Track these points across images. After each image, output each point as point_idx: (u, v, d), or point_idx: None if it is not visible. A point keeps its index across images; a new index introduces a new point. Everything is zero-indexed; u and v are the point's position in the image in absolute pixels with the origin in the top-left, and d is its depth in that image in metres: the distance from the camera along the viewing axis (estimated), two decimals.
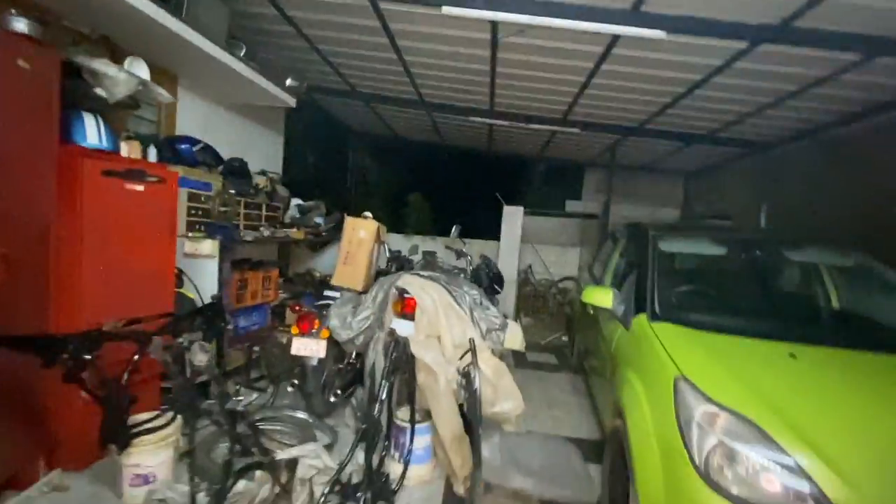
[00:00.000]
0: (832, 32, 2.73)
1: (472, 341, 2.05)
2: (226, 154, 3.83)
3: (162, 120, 3.59)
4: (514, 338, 3.08)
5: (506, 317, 3.08)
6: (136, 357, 2.04)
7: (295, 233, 4.60)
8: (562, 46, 3.34)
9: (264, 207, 4.24)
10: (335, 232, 5.64)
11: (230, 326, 3.19)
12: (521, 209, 6.03)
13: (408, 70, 4.32)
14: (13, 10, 2.01)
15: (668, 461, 1.58)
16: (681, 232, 3.24)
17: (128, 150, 2.50)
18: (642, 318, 2.30)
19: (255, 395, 3.36)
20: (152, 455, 2.15)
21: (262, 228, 4.07)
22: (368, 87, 5.13)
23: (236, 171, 4.01)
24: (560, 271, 7.44)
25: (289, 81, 4.12)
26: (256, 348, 3.65)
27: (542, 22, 2.79)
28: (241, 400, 3.23)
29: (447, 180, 8.59)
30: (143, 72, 2.49)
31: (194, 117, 3.90)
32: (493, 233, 6.58)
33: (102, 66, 2.19)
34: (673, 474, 1.54)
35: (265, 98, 4.12)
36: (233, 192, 3.72)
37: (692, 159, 6.41)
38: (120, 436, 2.01)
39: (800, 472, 1.34)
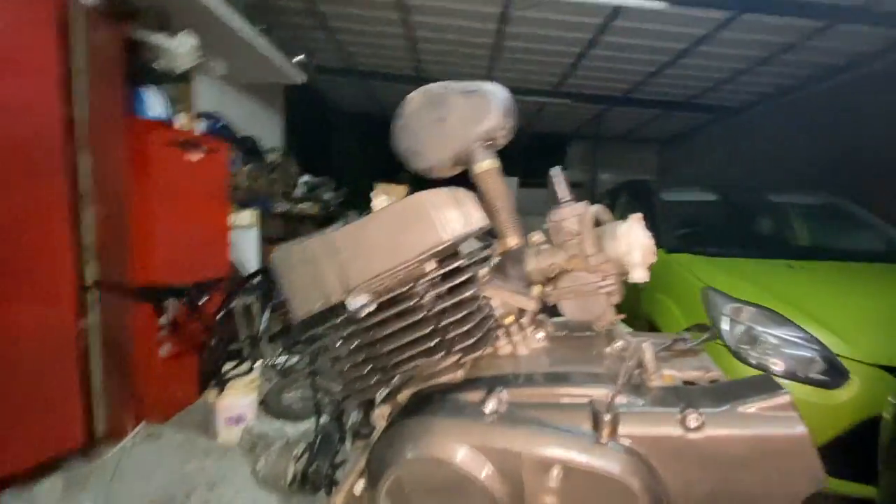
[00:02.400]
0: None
1: None
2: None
3: (180, 96, 3.64)
4: None
5: None
6: (222, 309, 2.25)
7: (310, 207, 4.76)
8: (565, 19, 3.63)
9: (280, 182, 4.38)
10: (342, 208, 5.82)
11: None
12: (515, 180, 6.37)
13: (412, 41, 4.50)
14: None
15: None
16: (676, 185, 3.67)
17: (181, 122, 2.63)
18: (660, 252, 2.69)
19: (296, 358, 3.58)
20: (241, 398, 2.37)
21: (282, 201, 4.22)
22: (368, 65, 5.27)
23: (250, 149, 4.13)
24: None
25: (300, 57, 4.23)
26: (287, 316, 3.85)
27: None
28: (286, 360, 3.45)
29: None
30: (192, 41, 2.60)
31: (209, 95, 3.96)
32: None
33: (165, 40, 2.32)
34: None
35: (276, 74, 4.22)
36: (250, 166, 3.85)
37: (668, 127, 6.92)
38: (218, 380, 2.22)
39: (812, 339, 1.75)
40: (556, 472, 0.44)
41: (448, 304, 0.52)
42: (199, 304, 1.96)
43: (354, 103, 7.04)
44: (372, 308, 0.52)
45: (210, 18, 2.95)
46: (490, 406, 0.49)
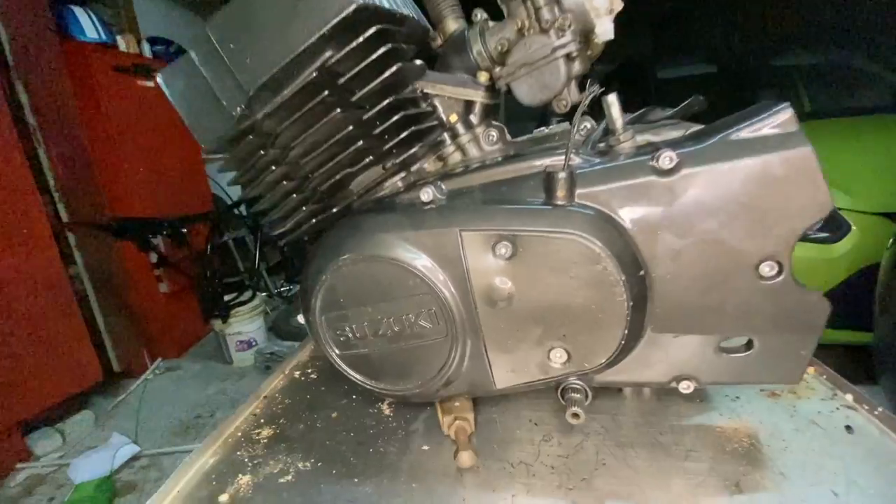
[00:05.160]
0: None
1: None
2: None
3: (123, 18, 3.29)
4: None
5: None
6: (209, 241, 2.20)
7: None
8: None
9: None
10: None
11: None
12: None
13: None
14: None
15: None
16: (672, 58, 3.42)
17: (125, 44, 2.38)
18: None
19: (298, 286, 3.63)
20: (249, 323, 2.41)
21: None
22: None
23: None
24: None
25: None
26: (287, 247, 3.83)
27: None
28: (289, 289, 3.51)
29: None
30: None
31: (153, 20, 3.57)
32: None
33: None
34: None
35: None
36: None
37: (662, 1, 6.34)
38: (221, 308, 2.23)
39: None
40: (503, 247, 0.37)
41: (369, 89, 0.41)
42: (184, 237, 1.89)
43: None
44: (273, 108, 0.42)
45: None
46: (426, 195, 0.42)
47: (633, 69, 3.28)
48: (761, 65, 3.06)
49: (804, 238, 1.39)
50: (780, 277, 0.38)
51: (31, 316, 1.76)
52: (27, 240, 1.76)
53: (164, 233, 1.83)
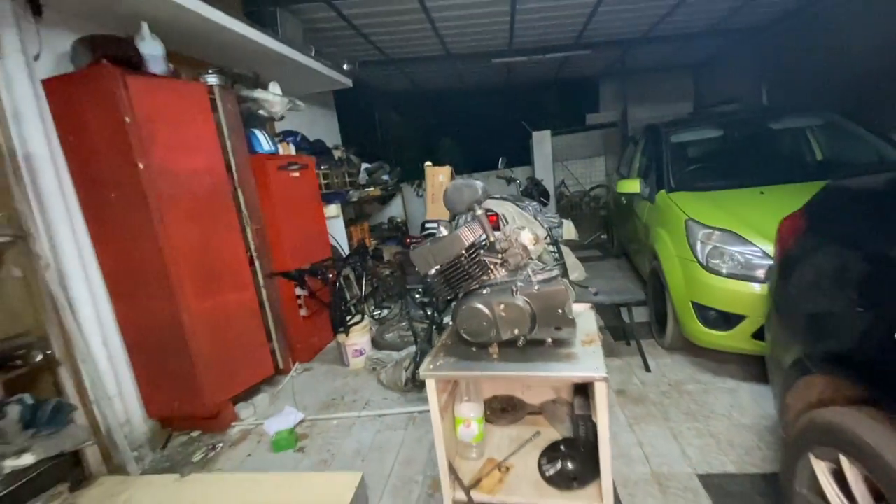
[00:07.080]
0: None
1: (549, 230, 3.13)
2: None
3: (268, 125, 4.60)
4: (569, 231, 4.16)
5: (561, 216, 4.13)
6: (336, 279, 3.25)
7: (373, 191, 5.71)
8: None
9: (346, 175, 5.31)
10: (397, 186, 6.73)
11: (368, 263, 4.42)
12: (548, 133, 6.85)
13: (435, 29, 5.08)
14: (209, 70, 3.02)
15: (685, 267, 2.67)
16: (686, 124, 4.11)
17: (282, 149, 3.57)
18: (662, 193, 3.31)
19: (385, 311, 4.66)
20: (360, 337, 3.42)
21: (351, 191, 5.18)
22: (402, 54, 5.92)
23: (321, 150, 5.06)
24: (589, 181, 8.31)
25: (346, 66, 5.00)
26: (375, 280, 4.90)
27: None
28: (379, 313, 4.52)
29: (470, 120, 9.30)
30: (279, 90, 3.49)
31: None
32: (521, 159, 7.47)
33: (264, 94, 3.21)
34: (688, 273, 2.64)
35: (329, 84, 5.04)
36: (324, 167, 4.79)
37: (698, 53, 6.94)
38: (344, 325, 3.27)
39: (763, 254, 2.39)
40: (502, 304, 1.30)
41: (472, 263, 1.37)
42: (327, 277, 2.95)
43: (392, 84, 7.72)
44: (438, 270, 1.40)
45: (285, 60, 3.80)
46: (485, 291, 1.35)
47: (654, 133, 4.03)
48: (758, 128, 3.69)
49: (763, 282, 2.24)
50: (565, 313, 1.30)
51: (242, 331, 2.87)
52: (242, 284, 2.89)
53: (318, 276, 2.90)
